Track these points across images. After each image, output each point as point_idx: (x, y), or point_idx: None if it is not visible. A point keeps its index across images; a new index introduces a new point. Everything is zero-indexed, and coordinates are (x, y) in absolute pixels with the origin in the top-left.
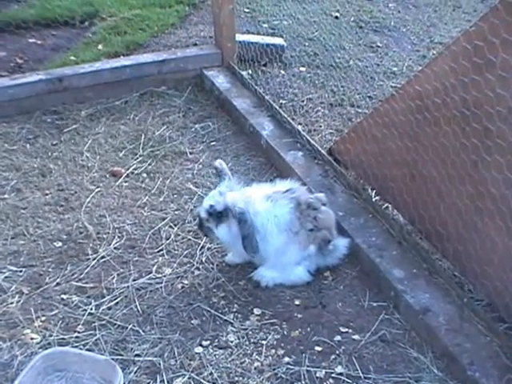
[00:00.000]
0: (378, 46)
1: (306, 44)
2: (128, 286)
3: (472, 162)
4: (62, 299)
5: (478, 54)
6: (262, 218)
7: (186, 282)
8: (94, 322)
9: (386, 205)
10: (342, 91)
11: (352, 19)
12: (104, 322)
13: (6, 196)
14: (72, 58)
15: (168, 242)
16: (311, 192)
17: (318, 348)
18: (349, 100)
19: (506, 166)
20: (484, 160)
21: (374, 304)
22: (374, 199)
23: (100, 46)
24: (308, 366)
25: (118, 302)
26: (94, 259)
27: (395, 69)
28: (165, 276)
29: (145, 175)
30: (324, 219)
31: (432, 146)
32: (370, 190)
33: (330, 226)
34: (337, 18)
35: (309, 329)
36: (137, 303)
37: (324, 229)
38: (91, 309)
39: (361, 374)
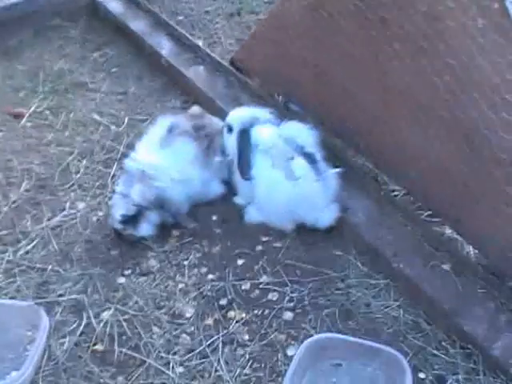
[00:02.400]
0: None
1: None
2: (43, 228)
3: (372, 54)
4: None
5: None
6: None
7: (100, 213)
8: (13, 269)
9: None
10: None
11: None
12: (23, 268)
13: None
14: None
15: (78, 176)
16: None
17: (240, 261)
18: (246, 8)
19: (406, 54)
20: (384, 51)
21: None
22: (281, 104)
23: None
24: (233, 280)
25: (35, 245)
26: (5, 205)
27: None
28: (79, 211)
29: (48, 112)
30: (214, 129)
31: (332, 42)
32: (276, 96)
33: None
34: None
35: (229, 243)
36: (54, 243)
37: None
38: (9, 256)
39: (287, 280)
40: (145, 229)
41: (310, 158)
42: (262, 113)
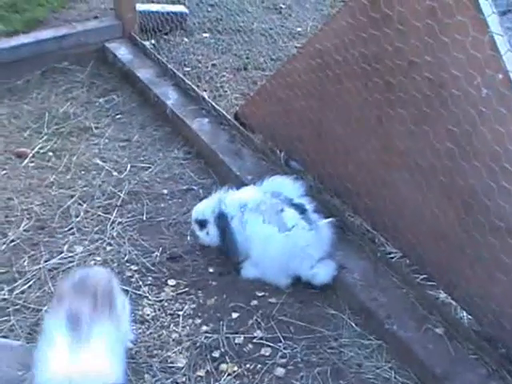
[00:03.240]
0: (282, 7)
1: (209, 10)
2: (40, 268)
3: (376, 116)
4: None
5: (375, 9)
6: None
7: (98, 258)
8: (8, 308)
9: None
10: (246, 55)
11: None
12: (18, 307)
13: None
14: None
15: (78, 219)
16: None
17: (235, 314)
18: (253, 63)
19: (409, 118)
20: (387, 114)
21: None
22: (282, 161)
23: None
24: (226, 333)
25: (30, 285)
26: (3, 244)
27: (299, 29)
28: (76, 254)
29: (51, 154)
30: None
31: (336, 103)
32: (278, 152)
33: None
34: None
35: (225, 295)
36: (50, 285)
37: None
38: (4, 294)
39: (280, 337)
40: None
41: (299, 209)
42: (223, 193)
